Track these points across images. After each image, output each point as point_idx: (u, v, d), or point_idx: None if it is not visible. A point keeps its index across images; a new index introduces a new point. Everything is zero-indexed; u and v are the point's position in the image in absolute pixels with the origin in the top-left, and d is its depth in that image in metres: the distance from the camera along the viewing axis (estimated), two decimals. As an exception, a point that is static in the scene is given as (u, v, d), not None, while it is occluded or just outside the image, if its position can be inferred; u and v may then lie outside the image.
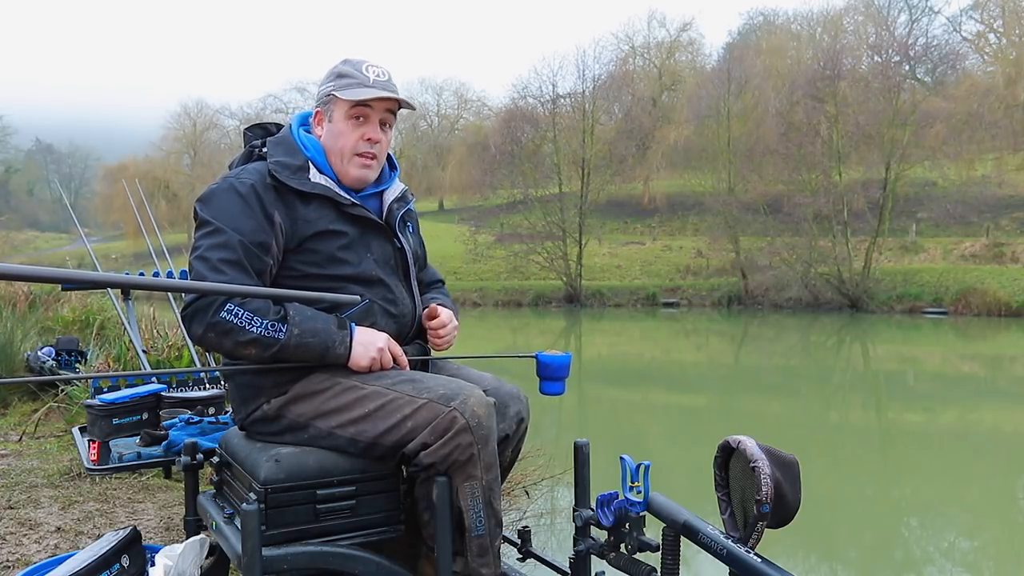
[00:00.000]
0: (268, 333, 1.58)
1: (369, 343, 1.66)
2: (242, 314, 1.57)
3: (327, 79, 1.77)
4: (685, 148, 30.48)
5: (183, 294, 1.75)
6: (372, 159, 1.78)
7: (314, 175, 1.73)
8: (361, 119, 1.74)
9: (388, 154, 1.87)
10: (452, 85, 48.46)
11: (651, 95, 35.46)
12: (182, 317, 1.63)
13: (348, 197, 1.74)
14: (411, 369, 1.77)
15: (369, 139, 1.75)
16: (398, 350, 1.72)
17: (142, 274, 4.11)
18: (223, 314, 1.57)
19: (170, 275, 4.16)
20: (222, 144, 44.01)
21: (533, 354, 1.82)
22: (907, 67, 27.52)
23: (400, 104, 1.78)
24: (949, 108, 23.95)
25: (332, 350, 1.63)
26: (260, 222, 1.65)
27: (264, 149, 1.78)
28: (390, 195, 1.86)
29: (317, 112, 1.79)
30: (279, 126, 1.87)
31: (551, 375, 1.78)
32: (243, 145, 1.87)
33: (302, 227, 1.69)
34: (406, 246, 1.85)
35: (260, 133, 1.86)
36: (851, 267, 22.62)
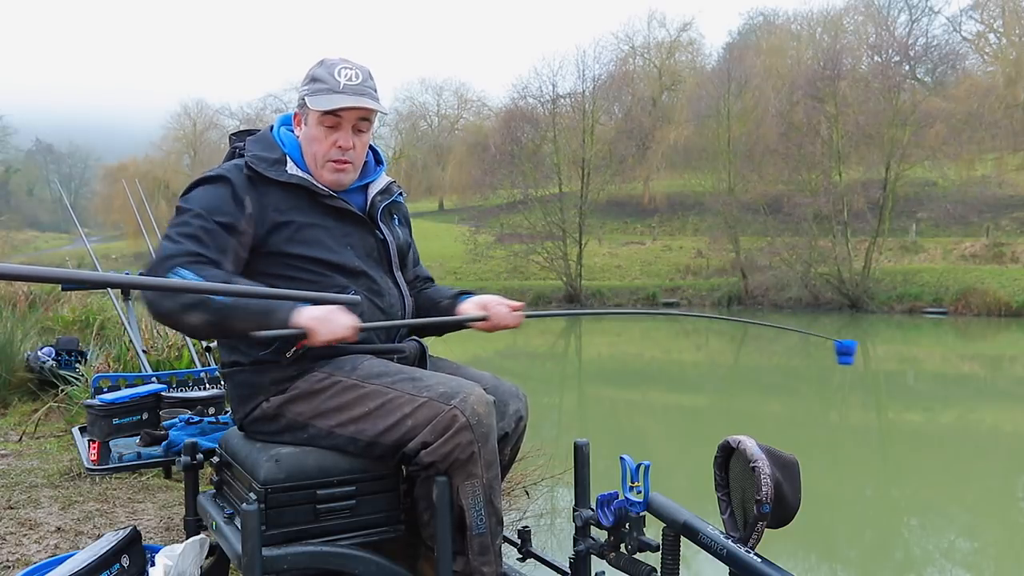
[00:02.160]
0: (211, 298, 1.53)
1: (326, 310, 1.56)
2: (190, 277, 1.55)
3: (304, 82, 1.77)
4: (685, 148, 30.47)
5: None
6: (346, 164, 1.77)
7: (291, 167, 1.76)
8: (332, 126, 1.73)
9: (375, 148, 1.90)
10: (452, 85, 48.50)
11: (651, 95, 35.46)
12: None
13: (325, 189, 1.76)
14: (409, 366, 1.77)
15: (340, 146, 1.74)
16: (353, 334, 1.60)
17: (142, 274, 4.10)
18: (172, 276, 1.55)
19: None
20: (222, 144, 43.92)
21: (831, 338, 2.01)
22: (907, 67, 27.48)
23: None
24: (949, 108, 23.95)
25: (275, 313, 1.55)
26: (227, 203, 1.68)
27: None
28: (374, 188, 1.87)
29: (296, 114, 1.81)
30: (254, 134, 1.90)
31: (846, 351, 1.96)
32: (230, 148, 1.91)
33: (274, 214, 1.70)
34: (389, 238, 1.86)
35: (244, 137, 1.89)
36: (851, 267, 22.62)
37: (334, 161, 1.75)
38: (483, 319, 1.83)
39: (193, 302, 1.54)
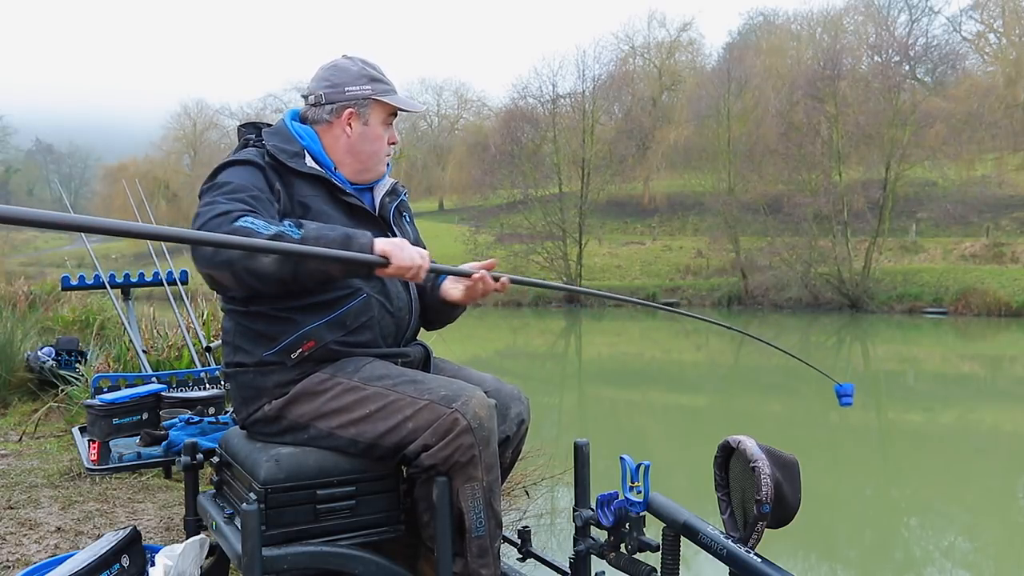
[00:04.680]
0: (286, 232, 1.51)
1: (400, 240, 1.60)
2: (259, 222, 1.51)
3: (358, 80, 1.79)
4: (685, 148, 30.46)
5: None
6: (389, 155, 1.90)
7: (309, 161, 1.76)
8: (389, 124, 1.84)
9: None
10: (452, 85, 48.44)
11: (651, 95, 35.45)
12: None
13: (345, 184, 1.78)
14: (412, 369, 1.77)
15: (393, 142, 1.86)
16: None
17: (142, 274, 4.11)
18: (242, 223, 1.50)
19: (170, 275, 4.17)
20: (222, 144, 44.02)
21: (832, 378, 2.21)
22: (907, 67, 27.48)
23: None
24: (949, 108, 23.95)
25: (355, 239, 1.54)
26: (262, 183, 1.68)
27: (260, 139, 1.80)
28: (380, 190, 1.88)
29: (350, 111, 1.78)
30: (270, 125, 1.89)
31: (846, 394, 2.15)
32: (238, 140, 1.88)
33: (298, 200, 1.71)
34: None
35: (253, 130, 1.87)
36: (851, 267, 22.61)
37: (386, 155, 1.87)
38: (468, 275, 1.77)
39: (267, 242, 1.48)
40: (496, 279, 1.78)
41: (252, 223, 1.50)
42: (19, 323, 6.08)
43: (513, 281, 1.84)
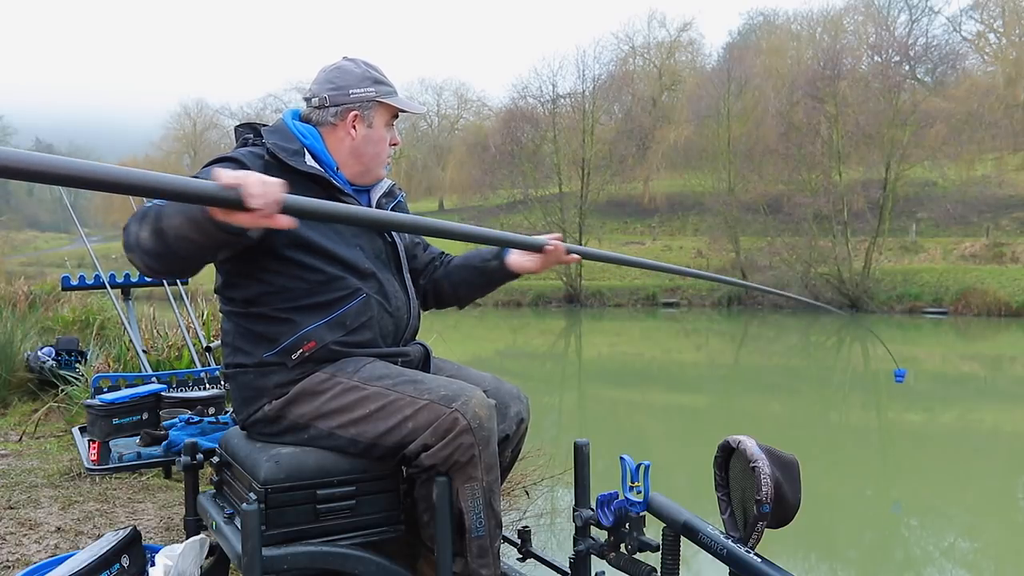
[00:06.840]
0: (154, 207, 1.45)
1: (250, 172, 1.33)
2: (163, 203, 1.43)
3: (362, 83, 1.79)
4: (685, 148, 30.47)
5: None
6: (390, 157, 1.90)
7: (309, 160, 1.74)
8: (391, 126, 1.84)
9: None
10: (452, 85, 48.37)
11: (651, 95, 35.45)
12: (123, 229, 1.53)
13: (343, 184, 1.77)
14: (412, 369, 1.77)
15: (395, 143, 1.86)
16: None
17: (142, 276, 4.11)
18: (147, 205, 1.48)
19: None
20: (222, 144, 44.03)
21: (896, 363, 2.70)
22: (907, 67, 27.51)
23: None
24: (949, 108, 23.95)
25: (193, 181, 1.28)
26: None
27: (259, 139, 1.79)
28: (377, 192, 1.88)
29: (355, 114, 1.77)
30: (267, 126, 1.87)
31: (900, 374, 2.64)
32: (235, 141, 1.87)
33: None
34: (397, 240, 1.87)
35: (251, 131, 1.85)
36: (851, 267, 22.62)
37: (387, 156, 1.87)
38: (539, 248, 1.87)
39: (143, 214, 1.46)
40: (567, 252, 1.89)
41: (152, 203, 1.45)
42: (19, 323, 6.08)
43: (586, 256, 1.96)
